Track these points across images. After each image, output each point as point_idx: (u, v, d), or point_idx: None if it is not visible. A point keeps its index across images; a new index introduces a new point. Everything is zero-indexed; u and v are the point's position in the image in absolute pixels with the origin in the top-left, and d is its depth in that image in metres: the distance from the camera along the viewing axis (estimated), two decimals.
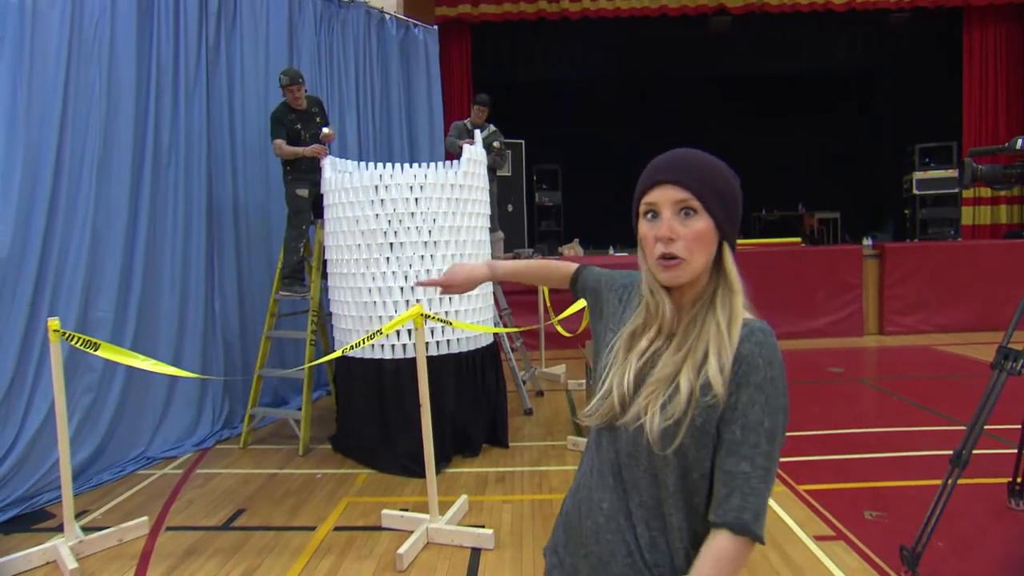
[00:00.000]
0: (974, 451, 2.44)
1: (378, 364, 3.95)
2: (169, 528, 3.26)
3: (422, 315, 3.11)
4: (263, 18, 5.27)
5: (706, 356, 0.99)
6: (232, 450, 4.48)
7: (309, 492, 3.68)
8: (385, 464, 3.96)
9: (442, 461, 3.91)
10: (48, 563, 2.92)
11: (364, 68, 6.36)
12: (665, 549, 1.03)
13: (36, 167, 3.70)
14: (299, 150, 4.53)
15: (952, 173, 9.02)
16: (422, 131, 7.01)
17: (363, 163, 4.36)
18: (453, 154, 5.19)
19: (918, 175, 9.25)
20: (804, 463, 3.79)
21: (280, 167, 4.78)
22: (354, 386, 4.12)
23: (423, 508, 3.17)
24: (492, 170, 5.12)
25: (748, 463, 0.95)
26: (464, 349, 4.13)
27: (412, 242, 3.92)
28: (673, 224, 1.00)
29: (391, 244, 3.92)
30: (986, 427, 2.47)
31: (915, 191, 9.27)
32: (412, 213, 3.92)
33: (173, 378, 4.37)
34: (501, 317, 5.69)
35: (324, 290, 4.64)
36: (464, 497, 3.35)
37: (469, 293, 4.10)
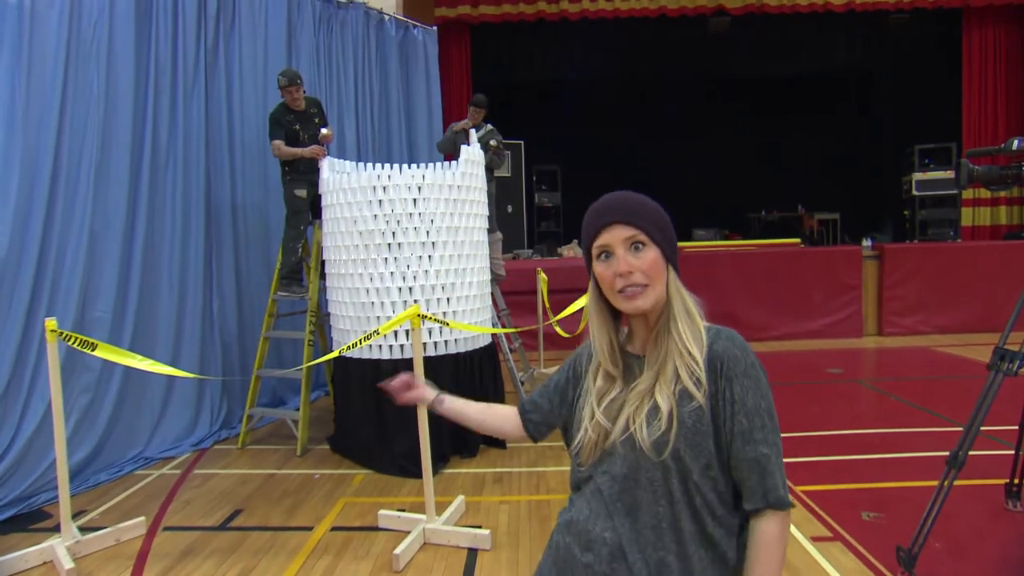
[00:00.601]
0: (972, 452, 2.44)
1: (376, 364, 3.95)
2: (166, 528, 3.26)
3: (419, 315, 3.11)
4: (262, 19, 5.28)
5: (676, 371, 1.07)
6: (230, 450, 4.48)
7: (307, 492, 3.68)
8: (382, 464, 3.96)
9: (439, 461, 3.91)
10: (45, 563, 2.92)
11: (363, 69, 6.36)
12: (676, 565, 1.06)
13: (34, 168, 3.70)
14: (298, 151, 4.53)
15: (952, 174, 9.02)
16: (421, 132, 7.02)
17: (362, 164, 4.37)
18: (449, 155, 5.19)
19: (917, 176, 9.25)
20: (801, 464, 3.79)
21: (278, 168, 4.78)
22: (352, 386, 4.12)
23: (420, 508, 3.16)
24: (490, 170, 5.11)
25: (764, 445, 1.04)
26: (462, 350, 4.13)
27: (410, 243, 3.92)
28: (628, 259, 1.10)
29: (389, 245, 3.92)
30: (984, 428, 2.46)
31: (914, 192, 9.26)
32: (411, 214, 3.92)
33: (171, 378, 4.37)
34: (500, 318, 5.69)
35: (322, 290, 4.65)
36: (461, 498, 3.35)
37: (467, 294, 4.12)
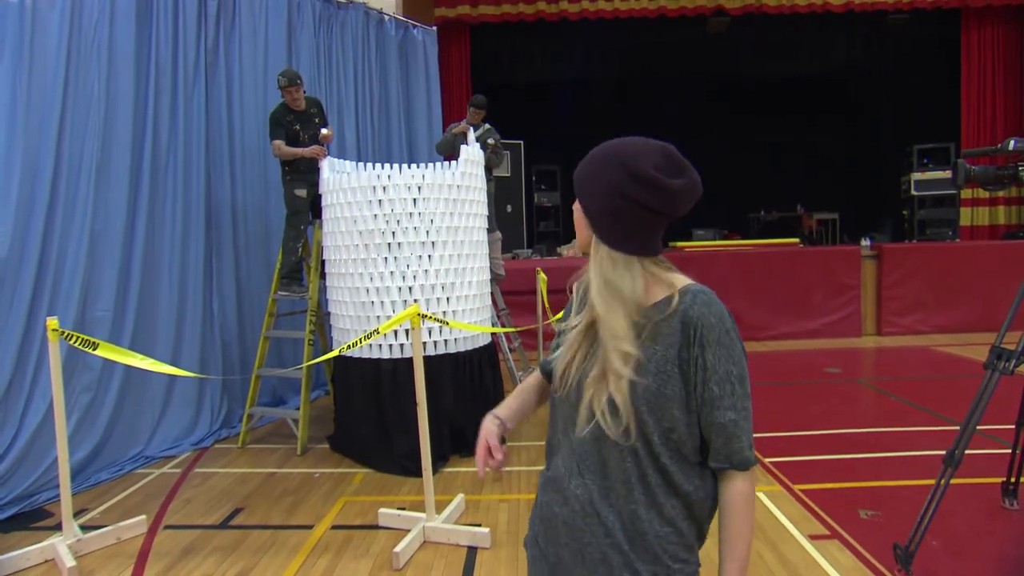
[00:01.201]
0: (968, 451, 2.45)
1: (376, 364, 3.96)
2: (167, 527, 3.27)
3: (419, 315, 3.13)
4: (262, 19, 5.29)
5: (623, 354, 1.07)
6: (230, 449, 4.50)
7: (307, 491, 3.69)
8: (382, 463, 3.97)
9: (439, 460, 3.92)
10: (46, 561, 2.93)
11: (363, 69, 6.37)
12: (646, 515, 1.09)
13: (35, 168, 3.71)
14: (298, 151, 4.54)
15: (950, 174, 9.03)
16: (421, 132, 7.03)
17: (362, 164, 4.38)
18: (448, 155, 5.20)
19: (916, 176, 9.26)
20: (799, 463, 3.81)
21: (279, 168, 4.79)
22: (352, 386, 4.13)
23: (420, 507, 3.18)
24: (489, 169, 5.12)
25: (732, 411, 1.07)
26: (462, 349, 4.14)
27: (410, 243, 3.93)
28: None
29: (389, 244, 3.94)
30: (980, 427, 2.48)
31: (913, 192, 9.28)
32: (410, 213, 3.94)
33: (172, 377, 4.39)
34: (499, 317, 5.71)
35: (322, 290, 4.66)
36: (461, 496, 3.37)
37: (467, 293, 4.13)
